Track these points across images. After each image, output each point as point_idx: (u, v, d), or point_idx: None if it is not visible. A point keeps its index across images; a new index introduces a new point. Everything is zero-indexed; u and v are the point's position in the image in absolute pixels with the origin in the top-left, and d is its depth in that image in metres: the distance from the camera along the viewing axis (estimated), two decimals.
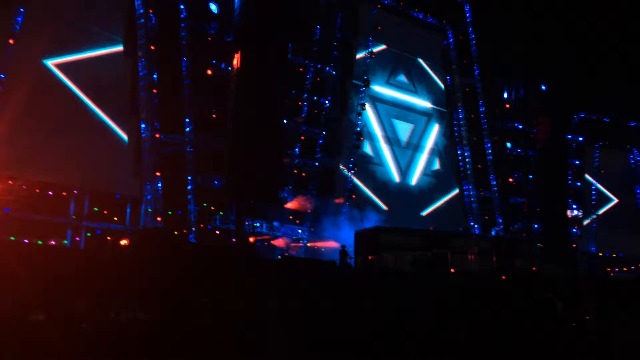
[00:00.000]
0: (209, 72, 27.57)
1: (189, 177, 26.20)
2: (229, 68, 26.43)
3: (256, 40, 23.74)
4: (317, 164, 32.26)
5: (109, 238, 23.47)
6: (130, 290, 11.26)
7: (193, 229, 25.57)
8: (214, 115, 27.47)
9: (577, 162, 41.11)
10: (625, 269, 37.81)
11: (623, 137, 44.30)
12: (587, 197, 42.40)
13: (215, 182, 27.01)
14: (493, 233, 35.20)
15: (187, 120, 26.51)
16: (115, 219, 25.01)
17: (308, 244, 30.28)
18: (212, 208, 27.36)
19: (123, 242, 20.01)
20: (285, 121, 30.00)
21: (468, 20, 39.35)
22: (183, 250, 13.19)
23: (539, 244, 29.35)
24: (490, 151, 37.85)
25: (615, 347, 8.93)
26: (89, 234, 24.19)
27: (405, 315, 12.58)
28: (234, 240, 23.70)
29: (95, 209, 24.62)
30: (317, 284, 14.20)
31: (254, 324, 11.06)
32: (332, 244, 29.01)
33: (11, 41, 22.53)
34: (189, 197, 26.06)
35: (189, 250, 14.51)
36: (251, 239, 23.82)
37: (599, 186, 43.48)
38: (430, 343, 11.61)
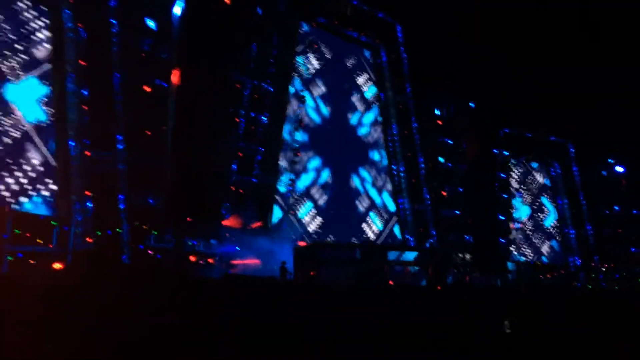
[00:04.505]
0: (146, 88, 26.84)
1: (121, 196, 25.36)
2: (164, 84, 25.96)
3: (195, 57, 23.48)
4: (254, 180, 32.05)
5: (31, 262, 22.13)
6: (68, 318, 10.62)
7: (125, 249, 24.66)
8: (147, 132, 26.75)
9: (502, 175, 43.48)
10: (549, 275, 40.26)
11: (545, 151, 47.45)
12: (514, 208, 44.92)
13: (150, 201, 26.18)
14: (427, 245, 36.28)
15: (120, 137, 25.72)
16: (39, 241, 23.62)
17: (239, 262, 29.62)
18: (145, 227, 26.46)
19: (57, 265, 18.95)
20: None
21: (400, 39, 40.72)
22: (117, 273, 12.67)
23: (470, 254, 30.59)
24: (423, 166, 39.22)
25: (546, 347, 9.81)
26: (9, 258, 22.68)
27: (345, 330, 12.70)
28: (171, 259, 23.02)
29: (17, 231, 23.16)
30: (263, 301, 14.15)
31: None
32: (256, 261, 28.55)
33: None
34: (121, 216, 25.19)
35: (124, 272, 13.98)
36: (192, 258, 23.27)
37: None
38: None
